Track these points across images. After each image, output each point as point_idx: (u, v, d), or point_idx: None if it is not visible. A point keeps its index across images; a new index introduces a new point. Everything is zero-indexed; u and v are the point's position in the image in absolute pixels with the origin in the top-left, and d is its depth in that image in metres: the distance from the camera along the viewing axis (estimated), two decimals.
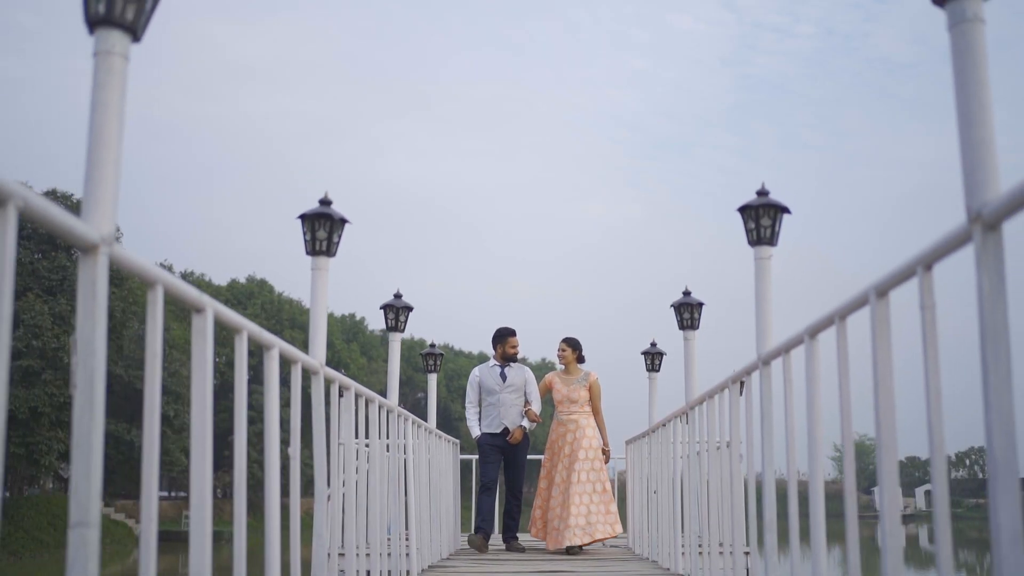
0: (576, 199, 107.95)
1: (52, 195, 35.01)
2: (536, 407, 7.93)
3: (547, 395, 8.21)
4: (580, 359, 7.97)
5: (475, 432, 7.97)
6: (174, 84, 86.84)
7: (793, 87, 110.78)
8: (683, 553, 5.74)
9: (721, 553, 4.81)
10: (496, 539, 8.67)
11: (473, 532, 7.96)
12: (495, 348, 8.07)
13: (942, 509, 1.97)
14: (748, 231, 3.59)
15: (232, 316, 2.48)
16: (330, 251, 3.57)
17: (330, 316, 64.46)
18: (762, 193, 3.64)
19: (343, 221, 3.59)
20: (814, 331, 2.85)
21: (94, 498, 1.67)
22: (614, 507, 7.67)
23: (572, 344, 7.96)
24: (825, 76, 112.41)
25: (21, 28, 78.44)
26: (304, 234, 3.58)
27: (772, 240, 3.59)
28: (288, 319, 56.47)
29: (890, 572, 2.24)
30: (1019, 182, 1.64)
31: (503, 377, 7.92)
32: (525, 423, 7.92)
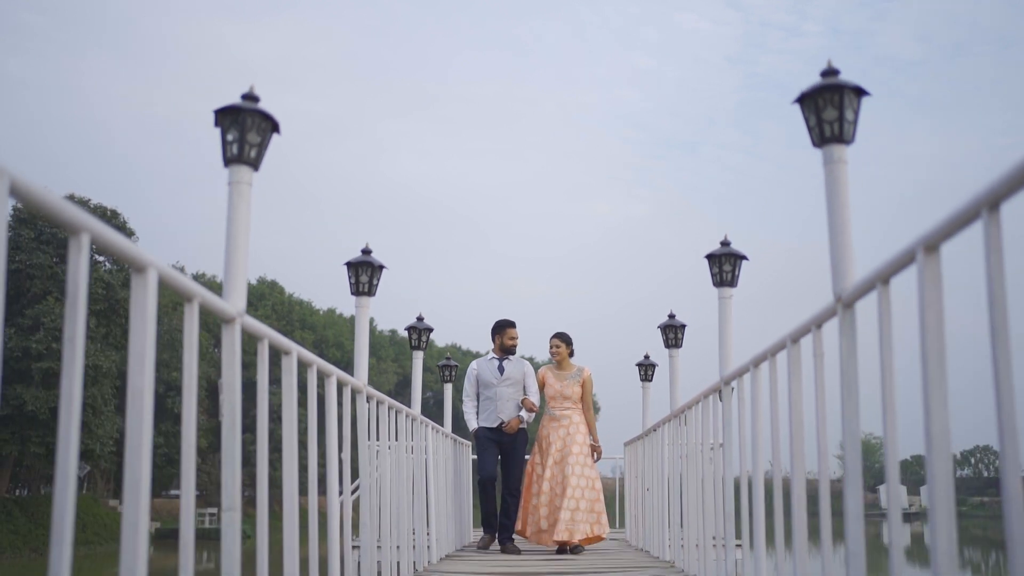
0: (582, 198, 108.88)
1: (70, 199, 35.88)
2: (534, 399, 7.85)
3: (540, 390, 8.09)
4: (571, 354, 7.95)
5: (472, 425, 7.91)
6: (180, 83, 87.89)
7: (799, 85, 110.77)
8: (669, 544, 6.52)
9: (697, 546, 5.58)
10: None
11: (484, 532, 8.05)
12: (493, 340, 8.01)
13: (824, 514, 2.77)
14: (712, 275, 4.39)
15: (308, 355, 3.28)
16: (371, 292, 4.39)
17: (339, 317, 65.51)
18: (725, 243, 4.43)
19: (381, 267, 4.41)
20: (757, 362, 3.64)
21: (237, 491, 2.47)
22: (600, 507, 7.60)
23: (565, 339, 7.89)
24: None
25: (25, 28, 79.39)
26: (349, 278, 4.40)
27: (733, 283, 4.39)
28: (299, 320, 57.38)
29: (799, 566, 3.03)
30: (864, 277, 2.42)
31: (501, 370, 7.83)
32: (523, 414, 7.83)
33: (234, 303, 2.59)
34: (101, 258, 37.05)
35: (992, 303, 1.61)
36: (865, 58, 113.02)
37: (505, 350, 7.91)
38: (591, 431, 7.78)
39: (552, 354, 7.90)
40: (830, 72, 2.63)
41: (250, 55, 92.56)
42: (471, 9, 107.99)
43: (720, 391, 4.38)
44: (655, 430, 7.03)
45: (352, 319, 67.89)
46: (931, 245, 1.92)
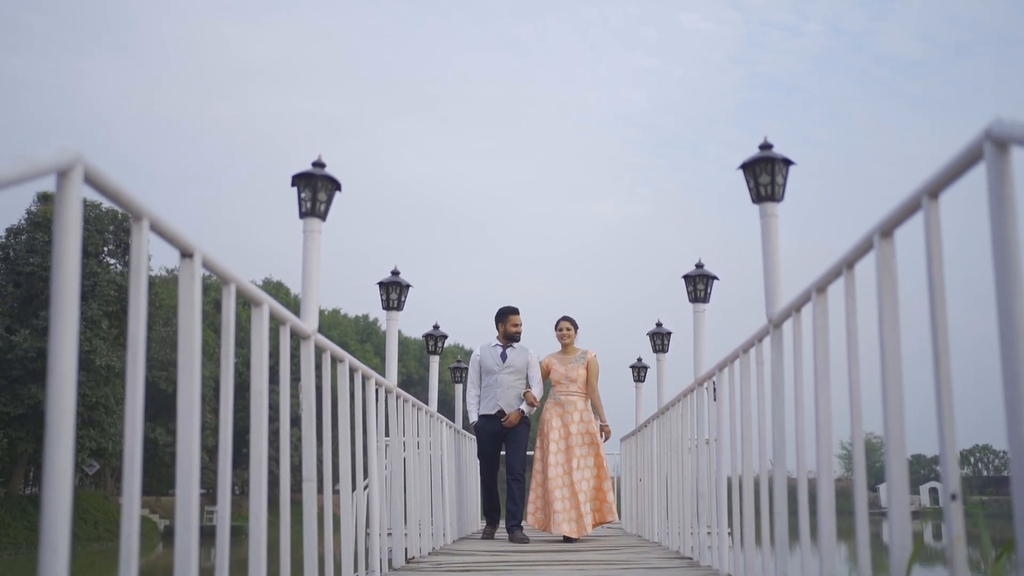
0: (583, 197, 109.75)
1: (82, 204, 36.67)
2: (537, 391, 7.75)
3: (545, 378, 7.94)
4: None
5: (472, 416, 7.84)
6: (182, 83, 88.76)
7: (801, 85, 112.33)
8: (657, 529, 7.30)
9: (679, 533, 6.36)
10: (502, 531, 8.54)
11: (485, 524, 8.13)
12: (497, 328, 7.88)
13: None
14: (688, 292, 5.19)
15: (355, 362, 4.07)
16: (400, 307, 5.22)
17: (344, 317, 66.46)
18: (699, 266, 5.23)
19: (408, 286, 5.23)
20: (721, 366, 4.43)
21: (313, 466, 3.26)
22: (611, 494, 7.64)
23: (574, 323, 7.83)
24: (833, 74, 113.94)
25: (26, 28, 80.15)
26: (381, 295, 5.23)
27: (706, 299, 5.18)
28: None
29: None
30: (789, 302, 3.20)
31: (503, 357, 7.74)
32: (523, 407, 7.72)
33: (310, 324, 3.39)
34: (113, 260, 37.95)
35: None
36: (866, 58, 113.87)
37: (508, 337, 7.80)
38: (599, 412, 7.73)
39: (561, 337, 7.80)
40: (766, 146, 3.42)
41: (251, 55, 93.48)
42: (472, 9, 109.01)
43: (695, 392, 5.17)
44: (646, 426, 7.83)
45: (357, 320, 68.50)
46: (821, 287, 2.71)
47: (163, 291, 41.08)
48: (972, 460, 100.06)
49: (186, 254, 2.21)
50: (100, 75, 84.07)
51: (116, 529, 38.75)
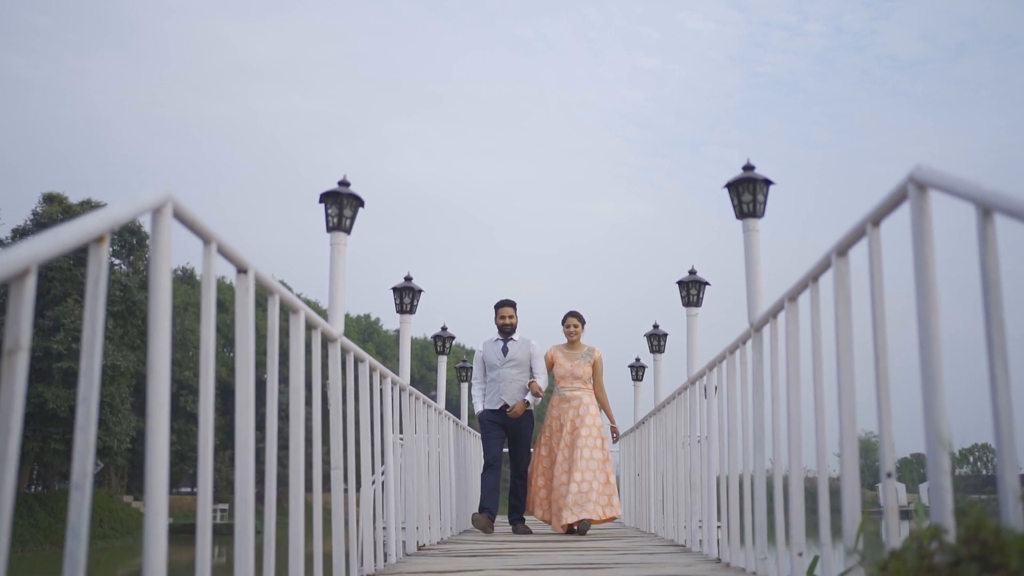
0: (586, 196, 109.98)
1: (87, 205, 37.07)
2: (542, 382, 7.67)
3: (549, 370, 7.89)
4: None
5: (478, 408, 7.84)
6: (185, 83, 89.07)
7: (802, 85, 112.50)
8: (654, 520, 7.67)
9: (675, 526, 6.71)
10: (504, 524, 8.68)
11: (477, 511, 7.72)
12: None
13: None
14: (682, 297, 5.57)
15: (374, 362, 4.43)
16: (412, 311, 5.58)
17: (346, 317, 66.82)
18: (692, 272, 5.60)
19: (420, 291, 5.61)
20: (711, 366, 4.80)
21: (340, 455, 3.63)
22: (611, 488, 7.52)
23: (581, 319, 7.81)
24: (834, 74, 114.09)
25: (30, 28, 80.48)
26: (394, 300, 5.61)
27: (698, 303, 5.56)
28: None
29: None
30: (767, 308, 3.56)
31: (504, 352, 7.70)
32: (529, 397, 7.66)
33: (336, 328, 3.75)
34: (117, 261, 38.38)
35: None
36: (867, 57, 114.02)
37: (501, 330, 7.77)
38: (607, 413, 7.83)
39: (568, 333, 7.82)
40: (748, 167, 3.78)
41: (255, 55, 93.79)
42: (476, 9, 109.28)
43: (688, 390, 5.54)
44: (644, 424, 8.20)
45: (359, 320, 69.06)
46: (792, 297, 3.08)
47: None
48: (971, 459, 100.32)
49: (241, 270, 2.57)
50: (104, 75, 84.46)
51: (121, 527, 39.13)
